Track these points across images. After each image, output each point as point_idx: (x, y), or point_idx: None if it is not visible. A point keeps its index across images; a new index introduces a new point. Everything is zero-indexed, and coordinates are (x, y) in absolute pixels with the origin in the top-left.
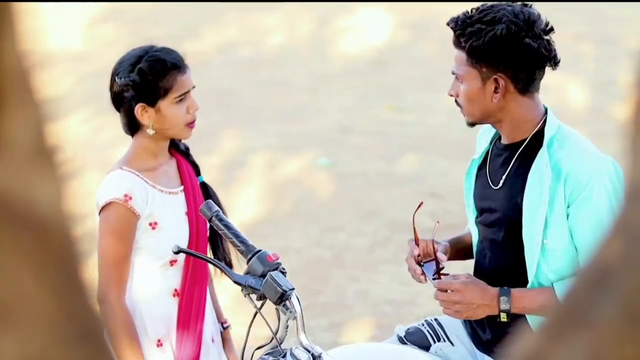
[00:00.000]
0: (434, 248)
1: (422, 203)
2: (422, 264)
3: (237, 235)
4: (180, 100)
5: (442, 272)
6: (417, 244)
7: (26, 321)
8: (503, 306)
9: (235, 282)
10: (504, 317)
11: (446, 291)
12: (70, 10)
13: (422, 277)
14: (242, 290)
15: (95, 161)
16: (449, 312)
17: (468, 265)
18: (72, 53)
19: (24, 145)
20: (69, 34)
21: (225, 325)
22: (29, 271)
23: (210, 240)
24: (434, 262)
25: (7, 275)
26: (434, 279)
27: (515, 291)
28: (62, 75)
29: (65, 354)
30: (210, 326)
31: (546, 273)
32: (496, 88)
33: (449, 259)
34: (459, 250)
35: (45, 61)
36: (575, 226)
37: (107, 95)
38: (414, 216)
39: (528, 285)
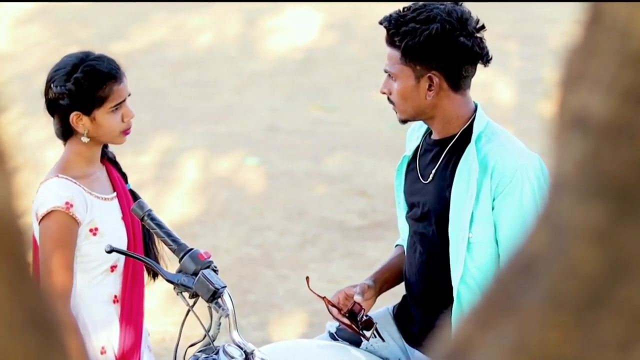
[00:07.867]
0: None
1: (308, 277)
2: (346, 314)
3: (169, 234)
4: (116, 109)
5: (364, 317)
6: (332, 305)
7: None
8: None
9: (168, 281)
10: None
11: None
12: None
13: (365, 334)
14: (174, 288)
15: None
16: None
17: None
18: None
19: None
20: None
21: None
22: None
23: (142, 243)
24: (355, 305)
25: None
26: (360, 328)
27: None
28: None
29: (16, 341)
30: (144, 331)
31: (471, 270)
32: (430, 86)
33: (381, 292)
34: (388, 279)
35: None
36: (498, 219)
37: (35, 96)
38: (310, 288)
39: (453, 285)
